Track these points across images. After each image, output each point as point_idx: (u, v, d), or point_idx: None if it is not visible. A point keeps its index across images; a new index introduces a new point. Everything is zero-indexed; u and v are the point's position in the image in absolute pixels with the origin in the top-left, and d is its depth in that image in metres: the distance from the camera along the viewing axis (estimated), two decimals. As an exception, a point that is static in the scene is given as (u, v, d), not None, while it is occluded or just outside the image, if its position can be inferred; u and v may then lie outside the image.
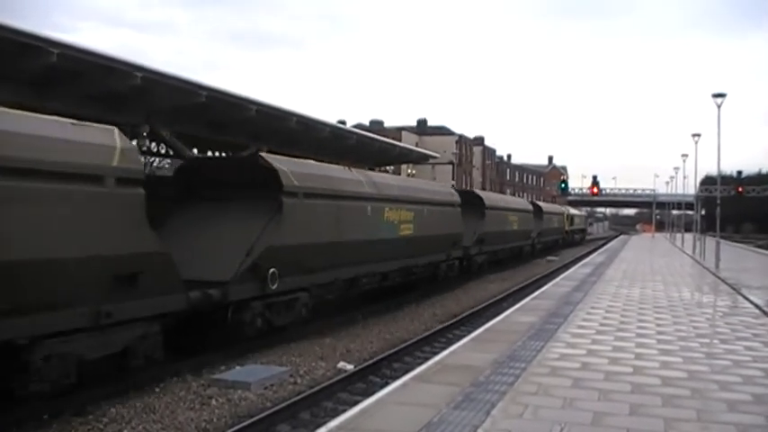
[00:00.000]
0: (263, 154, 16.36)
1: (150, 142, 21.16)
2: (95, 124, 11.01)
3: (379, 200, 20.09)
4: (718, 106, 33.65)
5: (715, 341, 13.28)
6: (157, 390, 11.83)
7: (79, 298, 10.12)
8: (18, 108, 10.15)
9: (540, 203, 58.93)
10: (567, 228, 71.78)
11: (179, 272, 12.26)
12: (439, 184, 32.70)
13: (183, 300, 12.44)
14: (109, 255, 10.47)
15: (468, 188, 68.08)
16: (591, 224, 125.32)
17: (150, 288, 11.40)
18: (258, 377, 12.53)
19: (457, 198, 28.98)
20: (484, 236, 32.46)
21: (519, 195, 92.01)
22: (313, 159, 19.23)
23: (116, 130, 11.04)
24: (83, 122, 10.77)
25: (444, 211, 26.45)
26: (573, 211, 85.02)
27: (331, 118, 34.28)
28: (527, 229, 44.59)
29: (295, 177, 15.76)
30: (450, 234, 26.74)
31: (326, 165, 19.28)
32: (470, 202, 31.62)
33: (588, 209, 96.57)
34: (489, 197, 37.70)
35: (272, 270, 14.61)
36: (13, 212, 9.03)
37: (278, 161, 15.80)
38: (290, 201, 15.41)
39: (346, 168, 20.11)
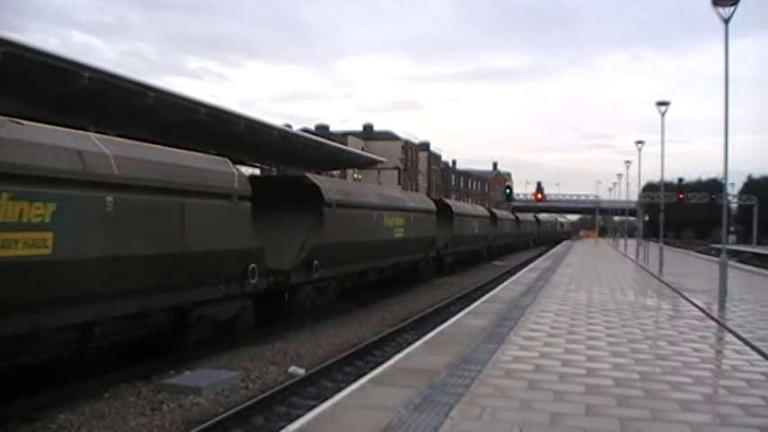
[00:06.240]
0: None
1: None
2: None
3: None
4: (662, 114, 34.31)
5: (663, 343, 13.46)
6: (107, 395, 11.61)
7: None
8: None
9: (450, 201, 46.50)
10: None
11: None
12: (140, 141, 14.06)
13: None
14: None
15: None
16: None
17: None
18: (209, 382, 12.37)
19: (229, 173, 15.51)
20: (320, 250, 19.59)
21: (464, 201, 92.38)
22: (261, 164, 18.55)
23: None
24: None
25: (170, 204, 13.14)
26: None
27: (276, 122, 33.87)
28: (425, 237, 31.83)
29: None
30: (223, 251, 14.59)
31: None
32: (291, 194, 19.72)
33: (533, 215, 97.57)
34: (333, 186, 22.39)
35: None
36: None
37: None
38: None
39: None
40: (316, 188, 20.24)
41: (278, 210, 18.20)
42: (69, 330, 11.03)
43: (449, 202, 45.01)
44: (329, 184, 22.15)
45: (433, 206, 35.20)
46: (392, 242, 26.65)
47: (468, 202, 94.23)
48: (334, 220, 20.62)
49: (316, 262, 19.39)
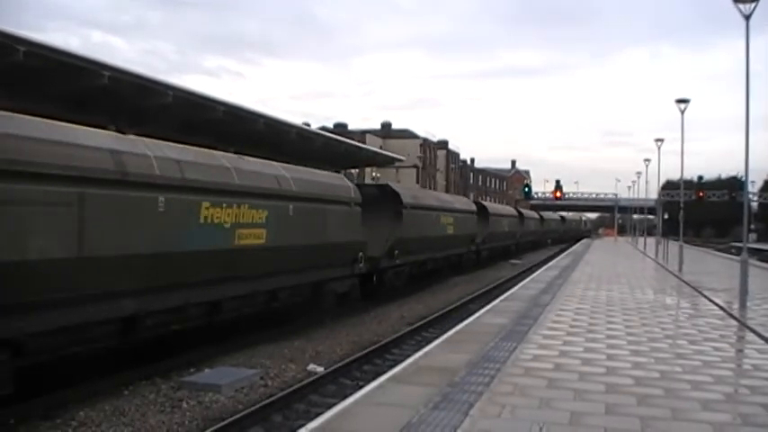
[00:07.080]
0: None
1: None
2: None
3: None
4: (682, 111, 34.07)
5: (683, 341, 13.37)
6: (126, 393, 11.66)
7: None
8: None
9: (486, 203, 50.82)
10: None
11: None
12: None
13: None
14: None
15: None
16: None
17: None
18: (228, 379, 12.40)
19: (348, 186, 21.56)
20: (399, 242, 24.72)
21: (483, 199, 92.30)
22: (278, 161, 18.68)
23: None
24: None
25: None
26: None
27: (295, 120, 33.97)
28: (468, 233, 36.23)
29: None
30: None
31: None
32: (379, 198, 24.97)
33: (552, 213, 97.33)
34: (408, 192, 29.13)
35: None
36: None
37: None
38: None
39: None
40: (396, 194, 26.00)
41: (370, 210, 22.31)
42: (266, 295, 16.05)
43: (485, 203, 50.22)
44: (405, 191, 28.38)
45: (473, 207, 41.16)
46: (446, 237, 32.31)
47: (486, 200, 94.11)
48: (409, 219, 26.05)
49: (396, 251, 24.47)
